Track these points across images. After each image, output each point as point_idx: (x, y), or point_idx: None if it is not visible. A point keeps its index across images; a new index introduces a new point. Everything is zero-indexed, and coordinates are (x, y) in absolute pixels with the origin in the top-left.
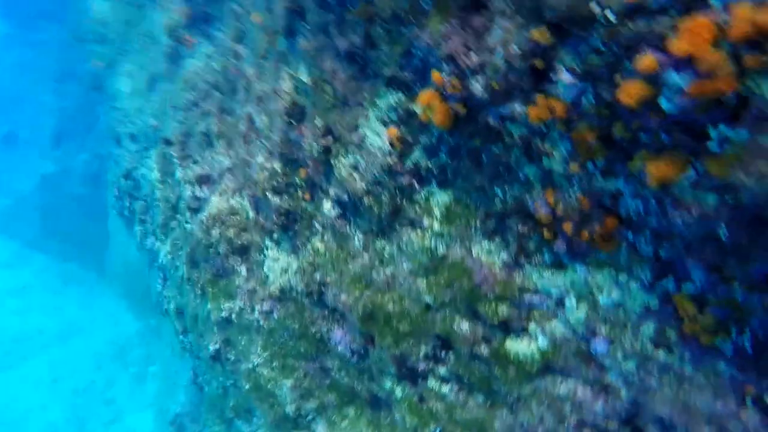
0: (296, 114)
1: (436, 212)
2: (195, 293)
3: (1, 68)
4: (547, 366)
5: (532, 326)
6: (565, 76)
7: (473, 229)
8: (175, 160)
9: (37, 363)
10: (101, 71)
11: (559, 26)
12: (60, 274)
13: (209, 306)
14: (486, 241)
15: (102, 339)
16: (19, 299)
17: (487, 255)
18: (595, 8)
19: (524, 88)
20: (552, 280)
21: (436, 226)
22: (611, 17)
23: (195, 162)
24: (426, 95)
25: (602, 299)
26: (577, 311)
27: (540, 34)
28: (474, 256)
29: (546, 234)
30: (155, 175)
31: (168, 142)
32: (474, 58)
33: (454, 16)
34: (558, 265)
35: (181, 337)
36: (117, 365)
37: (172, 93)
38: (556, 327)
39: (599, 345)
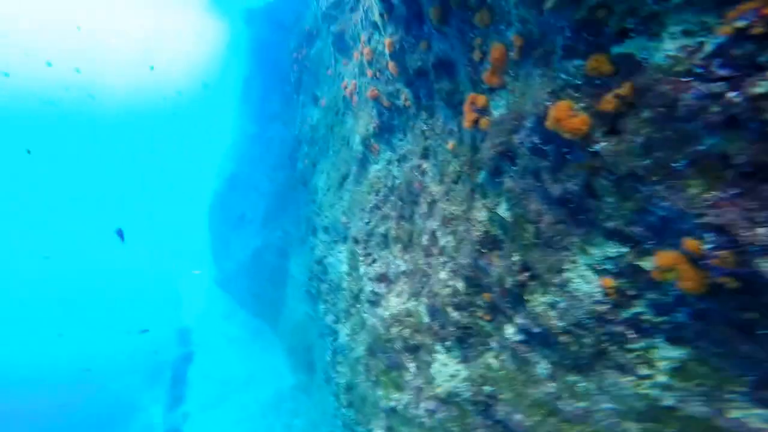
0: (488, 244)
1: (661, 365)
2: (368, 377)
3: (247, 160)
4: None
5: None
6: None
7: (728, 391)
8: (360, 257)
9: (229, 405)
10: (307, 167)
11: None
12: (253, 329)
13: (379, 392)
14: (753, 405)
15: (269, 389)
16: (228, 347)
17: (757, 419)
18: None
19: None
20: None
21: (661, 377)
22: None
23: (375, 261)
24: (668, 257)
25: None
26: None
27: None
28: (729, 417)
29: None
30: (343, 267)
31: (355, 240)
32: (765, 235)
33: (729, 184)
34: None
35: (343, 409)
36: (275, 414)
37: (358, 194)
38: None
39: None
